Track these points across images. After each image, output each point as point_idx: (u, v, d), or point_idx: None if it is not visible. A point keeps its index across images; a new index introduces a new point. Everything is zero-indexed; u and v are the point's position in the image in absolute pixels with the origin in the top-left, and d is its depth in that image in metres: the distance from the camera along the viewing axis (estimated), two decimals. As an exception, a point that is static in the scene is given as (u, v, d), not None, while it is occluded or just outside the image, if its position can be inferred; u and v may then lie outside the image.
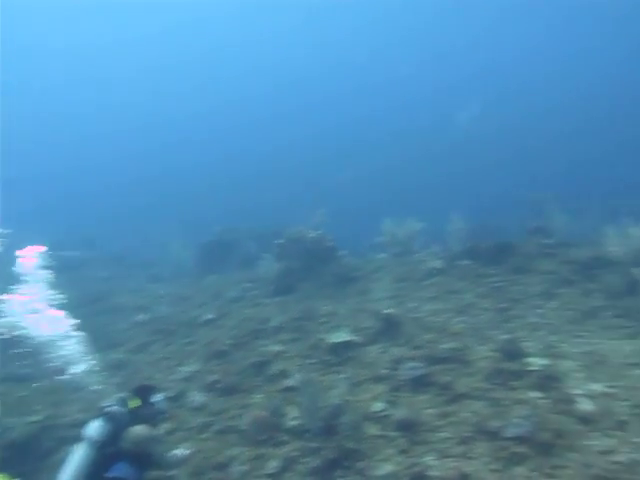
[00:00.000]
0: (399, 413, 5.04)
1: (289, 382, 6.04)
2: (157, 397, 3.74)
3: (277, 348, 6.93)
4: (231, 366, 6.74)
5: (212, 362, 7.05)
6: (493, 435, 4.46)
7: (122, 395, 3.63)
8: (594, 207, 12.23)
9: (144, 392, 3.72)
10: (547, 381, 5.09)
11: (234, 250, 13.45)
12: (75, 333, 3.65)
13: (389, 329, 6.75)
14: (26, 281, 3.57)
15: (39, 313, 3.54)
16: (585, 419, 4.41)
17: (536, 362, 5.48)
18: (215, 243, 13.78)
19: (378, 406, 5.27)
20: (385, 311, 6.96)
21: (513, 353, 5.69)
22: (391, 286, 8.64)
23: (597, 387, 4.86)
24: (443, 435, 4.65)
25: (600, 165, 23.43)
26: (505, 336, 6.13)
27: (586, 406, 4.57)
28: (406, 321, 6.90)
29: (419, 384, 5.46)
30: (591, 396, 4.72)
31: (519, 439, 4.32)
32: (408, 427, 4.85)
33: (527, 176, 22.31)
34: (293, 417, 5.32)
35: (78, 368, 3.62)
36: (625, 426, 4.20)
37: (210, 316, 8.79)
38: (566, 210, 10.32)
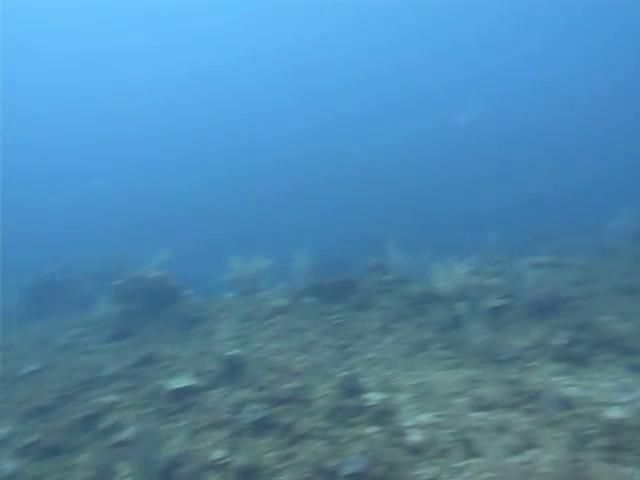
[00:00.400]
0: (240, 459, 4.88)
1: (123, 435, 5.56)
2: None
3: (111, 398, 6.40)
4: (55, 423, 6.05)
5: (31, 420, 6.27)
6: (331, 474, 4.50)
7: None
8: (429, 242, 13.32)
9: None
10: (382, 415, 5.31)
11: (67, 291, 12.34)
12: None
13: (232, 371, 6.60)
14: None
15: None
16: (414, 450, 4.65)
17: (373, 397, 5.72)
18: (45, 283, 12.52)
19: (218, 454, 5.06)
20: (228, 353, 6.82)
21: (352, 389, 5.88)
22: (236, 326, 8.51)
23: (425, 417, 5.18)
24: (283, 479, 4.59)
25: (440, 198, 25.35)
26: (345, 373, 6.32)
27: (416, 437, 4.83)
28: (250, 362, 6.82)
29: (261, 427, 5.36)
30: (420, 427, 5.00)
31: (355, 476, 4.41)
32: (248, 473, 4.71)
33: (375, 211, 23.56)
34: (125, 474, 4.89)
35: None
36: (447, 453, 4.50)
37: (33, 367, 7.87)
38: (404, 245, 10.98)
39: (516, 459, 4.23)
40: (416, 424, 5.07)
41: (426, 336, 7.55)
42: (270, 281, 10.73)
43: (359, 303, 8.76)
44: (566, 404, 4.98)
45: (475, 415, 5.14)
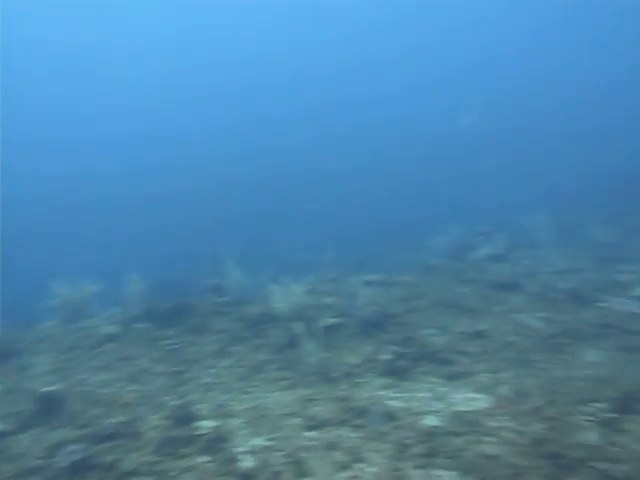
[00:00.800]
0: (53, 509, 4.39)
1: None
2: None
3: None
4: None
5: None
6: (158, 513, 4.24)
7: None
8: (268, 262, 13.38)
9: None
10: (215, 443, 5.15)
11: None
12: None
13: (48, 409, 5.95)
14: None
15: None
16: (246, 476, 4.56)
17: (206, 425, 5.53)
18: None
19: (27, 506, 4.50)
20: (44, 389, 6.14)
21: (184, 418, 5.63)
22: (57, 358, 7.71)
23: (258, 442, 5.13)
24: (103, 525, 4.21)
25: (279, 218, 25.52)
26: (177, 401, 6.06)
27: (247, 463, 4.75)
28: (70, 397, 6.21)
29: (79, 469, 4.87)
30: (253, 452, 4.94)
31: (184, 511, 4.20)
32: (62, 525, 4.25)
33: (216, 230, 23.10)
34: None
35: None
36: (279, 476, 4.49)
37: None
38: (242, 265, 10.86)
39: (344, 475, 4.36)
40: (249, 449, 4.99)
41: (263, 358, 7.54)
42: (100, 306, 9.98)
43: (195, 327, 8.50)
44: (390, 416, 5.28)
45: (307, 434, 5.21)
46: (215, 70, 45.16)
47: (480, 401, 5.45)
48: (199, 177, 32.21)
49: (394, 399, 5.78)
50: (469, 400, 5.53)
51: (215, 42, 45.87)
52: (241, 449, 5.01)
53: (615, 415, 4.57)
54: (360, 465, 4.49)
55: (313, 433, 5.22)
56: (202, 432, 5.35)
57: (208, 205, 27.64)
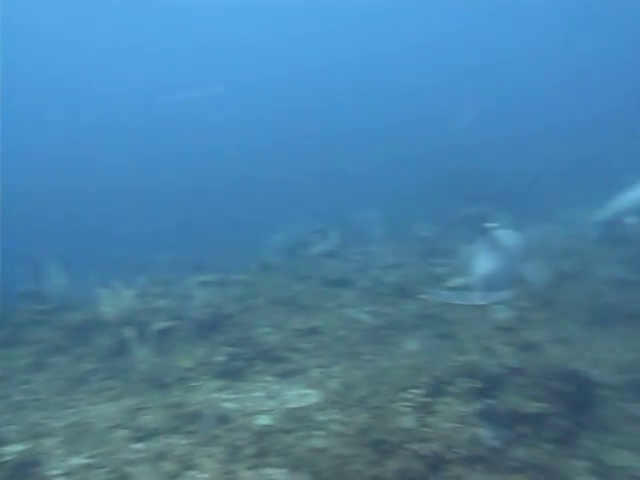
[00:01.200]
0: None
1: None
2: None
3: None
4: None
5: None
6: None
7: None
8: (96, 263, 12.30)
9: None
10: (23, 468, 4.59)
11: None
12: None
13: None
14: None
15: None
16: (61, 501, 4.15)
17: (12, 449, 4.91)
18: None
19: None
20: None
21: (-13, 444, 4.95)
22: None
23: (77, 460, 4.69)
24: None
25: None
26: (-20, 425, 5.30)
27: (63, 486, 4.32)
28: None
29: None
30: (69, 473, 4.50)
31: None
32: None
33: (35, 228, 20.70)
34: None
35: None
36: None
37: None
38: (66, 268, 9.87)
39: (172, 485, 4.17)
40: (65, 471, 4.54)
41: (87, 368, 6.96)
42: None
43: (5, 339, 7.55)
44: (223, 419, 5.18)
45: (134, 447, 4.90)
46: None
47: (311, 396, 5.60)
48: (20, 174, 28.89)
49: (228, 401, 5.68)
50: (301, 396, 5.64)
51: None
52: (56, 472, 4.53)
53: (428, 399, 4.98)
54: (191, 472, 4.34)
55: (140, 445, 4.92)
56: (7, 458, 4.73)
57: (31, 201, 24.79)
